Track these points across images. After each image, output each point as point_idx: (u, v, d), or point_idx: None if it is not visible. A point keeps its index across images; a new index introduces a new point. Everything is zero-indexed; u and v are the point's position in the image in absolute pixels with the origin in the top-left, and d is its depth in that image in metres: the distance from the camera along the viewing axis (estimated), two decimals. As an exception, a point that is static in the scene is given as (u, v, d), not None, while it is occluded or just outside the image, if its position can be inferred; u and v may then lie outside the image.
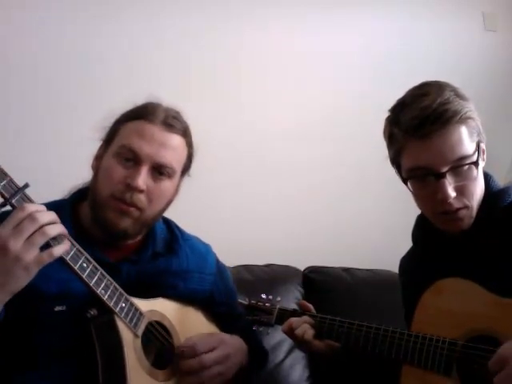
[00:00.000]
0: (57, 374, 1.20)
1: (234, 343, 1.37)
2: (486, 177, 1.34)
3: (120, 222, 1.28)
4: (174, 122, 1.35)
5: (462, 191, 1.26)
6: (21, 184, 1.08)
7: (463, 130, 1.25)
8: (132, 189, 1.27)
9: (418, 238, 1.47)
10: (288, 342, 2.06)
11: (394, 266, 2.10)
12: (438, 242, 1.38)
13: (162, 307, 1.32)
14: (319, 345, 1.39)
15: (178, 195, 1.41)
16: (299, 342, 1.42)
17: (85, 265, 1.13)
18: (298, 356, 2.08)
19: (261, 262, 2.25)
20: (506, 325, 1.17)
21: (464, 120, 1.25)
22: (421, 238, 1.46)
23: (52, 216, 1.07)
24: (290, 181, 2.45)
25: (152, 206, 1.31)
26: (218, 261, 1.55)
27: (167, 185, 1.34)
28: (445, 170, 1.24)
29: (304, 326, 1.40)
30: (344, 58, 2.58)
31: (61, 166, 2.03)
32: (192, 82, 2.34)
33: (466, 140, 1.25)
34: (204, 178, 2.30)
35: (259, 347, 1.56)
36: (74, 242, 1.12)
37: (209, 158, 2.33)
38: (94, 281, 1.14)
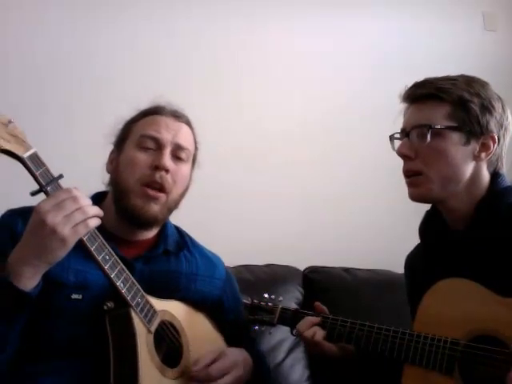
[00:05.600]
0: (66, 367, 1.22)
1: (245, 364, 1.39)
2: (496, 175, 1.35)
3: (149, 208, 1.36)
4: (180, 114, 1.47)
5: (422, 156, 1.32)
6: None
7: (441, 105, 1.31)
8: (160, 169, 1.36)
9: (424, 234, 1.47)
10: (288, 342, 2.06)
11: (394, 266, 2.11)
12: (441, 239, 1.39)
13: (173, 309, 1.35)
14: (330, 347, 1.39)
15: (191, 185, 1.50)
16: (311, 345, 1.41)
17: (107, 257, 1.18)
18: (298, 356, 2.07)
19: (261, 262, 2.24)
20: (508, 325, 1.18)
21: (445, 98, 1.30)
22: (427, 234, 1.46)
23: (90, 200, 1.15)
24: (290, 181, 2.45)
25: (176, 188, 1.41)
26: (227, 269, 1.59)
27: (185, 168, 1.45)
28: (408, 129, 1.35)
29: (314, 328, 1.40)
30: (344, 58, 2.58)
31: (62, 165, 2.02)
32: (192, 81, 2.34)
33: (440, 114, 1.31)
34: (204, 178, 2.31)
35: (262, 360, 1.56)
36: (99, 235, 1.17)
37: (209, 158, 2.34)
38: (114, 273, 1.18)
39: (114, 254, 1.20)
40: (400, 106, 1.41)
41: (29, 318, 1.16)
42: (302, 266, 2.29)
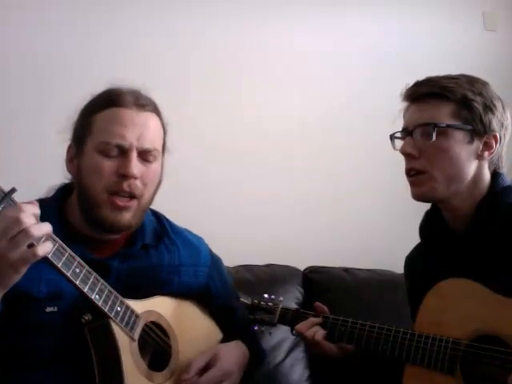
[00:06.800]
0: (51, 377, 1.19)
1: (239, 367, 1.35)
2: (496, 174, 1.35)
3: (121, 218, 1.26)
4: (144, 100, 1.32)
5: (426, 155, 1.31)
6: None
7: (445, 103, 1.31)
8: (127, 178, 1.25)
9: (424, 234, 1.47)
10: (288, 342, 2.06)
11: (394, 266, 2.10)
12: (442, 240, 1.39)
13: (158, 306, 1.31)
14: (331, 346, 1.39)
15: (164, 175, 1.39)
16: (311, 344, 1.41)
17: (77, 270, 1.11)
18: (298, 356, 2.08)
19: (261, 262, 2.24)
20: (509, 324, 1.18)
21: (449, 96, 1.30)
22: (427, 234, 1.46)
23: (37, 214, 1.05)
24: (290, 180, 2.45)
25: (147, 190, 1.30)
26: (211, 252, 1.52)
27: (155, 166, 1.32)
28: (411, 128, 1.33)
29: (315, 328, 1.40)
30: (344, 58, 2.58)
31: (61, 165, 2.02)
32: (192, 81, 2.34)
33: (444, 112, 1.30)
34: (204, 178, 2.32)
35: (256, 344, 1.53)
36: (66, 247, 1.10)
37: (208, 158, 2.34)
38: (87, 286, 1.12)
39: (84, 264, 1.12)
40: (400, 106, 1.40)
41: None
42: (302, 266, 2.28)
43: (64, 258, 1.08)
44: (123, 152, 1.26)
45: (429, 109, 1.32)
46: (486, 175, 1.34)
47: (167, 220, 1.46)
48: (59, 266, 1.07)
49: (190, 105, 2.35)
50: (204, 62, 2.37)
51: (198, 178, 2.31)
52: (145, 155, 1.29)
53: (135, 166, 1.25)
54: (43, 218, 1.08)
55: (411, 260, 1.52)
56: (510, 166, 1.39)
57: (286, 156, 2.45)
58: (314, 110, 2.51)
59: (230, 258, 1.96)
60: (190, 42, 2.36)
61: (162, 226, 1.43)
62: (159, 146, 1.33)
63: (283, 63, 2.49)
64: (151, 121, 1.32)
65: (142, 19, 2.30)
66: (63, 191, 1.36)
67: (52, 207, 1.30)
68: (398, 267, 1.61)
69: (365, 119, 2.51)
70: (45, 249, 1.03)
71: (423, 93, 1.33)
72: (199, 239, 1.50)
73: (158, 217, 1.45)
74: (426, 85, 1.34)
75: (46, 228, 1.05)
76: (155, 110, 1.34)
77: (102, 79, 2.25)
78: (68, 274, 1.09)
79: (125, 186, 1.25)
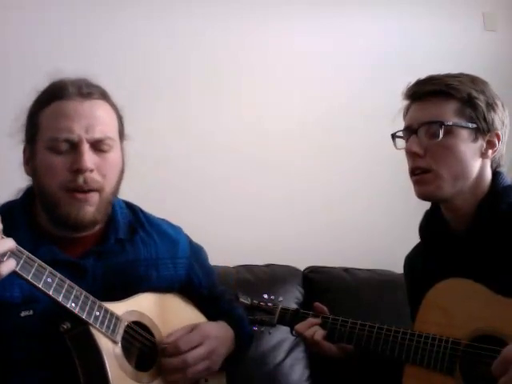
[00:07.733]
0: (33, 382, 1.17)
1: (218, 335, 1.34)
2: (497, 173, 1.36)
3: (84, 212, 1.22)
4: (89, 89, 1.26)
5: (432, 153, 1.31)
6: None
7: (450, 101, 1.31)
8: (82, 172, 1.20)
9: (424, 234, 1.47)
10: (288, 342, 2.06)
11: (394, 266, 2.11)
12: (442, 240, 1.39)
13: (139, 305, 1.27)
14: (330, 346, 1.39)
15: (127, 162, 1.33)
16: (310, 344, 1.41)
17: (49, 280, 1.08)
18: (298, 356, 2.08)
19: (261, 262, 2.24)
20: (509, 324, 1.18)
21: (454, 94, 1.30)
22: (427, 234, 1.46)
23: (0, 229, 1.02)
24: (290, 180, 2.45)
25: (107, 181, 1.25)
26: (191, 242, 1.47)
27: (113, 156, 1.26)
28: (416, 127, 1.32)
29: (314, 327, 1.40)
30: (344, 58, 2.58)
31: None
32: (192, 81, 2.35)
33: (449, 110, 1.30)
34: (204, 178, 2.32)
35: (243, 327, 1.49)
36: (34, 258, 1.07)
37: (208, 158, 2.35)
38: (62, 295, 1.09)
39: (56, 274, 1.09)
40: (400, 106, 1.40)
41: None
42: (302, 266, 2.28)
43: (33, 270, 1.05)
44: (73, 146, 1.21)
45: (433, 107, 1.32)
46: (488, 174, 1.35)
47: (143, 212, 1.42)
48: (29, 278, 1.05)
49: (190, 105, 2.35)
50: (204, 62, 2.37)
51: (199, 178, 2.31)
52: (98, 145, 1.23)
53: (88, 158, 1.20)
54: (12, 221, 1.06)
55: (411, 260, 1.52)
56: (509, 165, 1.40)
57: (286, 156, 2.45)
58: (313, 109, 2.51)
59: (230, 258, 1.96)
60: (190, 42, 2.36)
61: (136, 219, 1.38)
62: (113, 134, 1.27)
63: (283, 63, 2.49)
64: (99, 109, 1.25)
65: (142, 19, 2.30)
66: (31, 192, 1.31)
67: (20, 209, 1.28)
68: (398, 267, 1.61)
69: (365, 119, 2.51)
70: (8, 266, 1.01)
71: (427, 91, 1.33)
72: (177, 230, 1.45)
73: (133, 209, 1.40)
74: (430, 83, 1.34)
75: (9, 244, 1.02)
76: (103, 97, 1.28)
77: (102, 79, 2.26)
78: (40, 286, 1.06)
79: (80, 181, 1.20)
